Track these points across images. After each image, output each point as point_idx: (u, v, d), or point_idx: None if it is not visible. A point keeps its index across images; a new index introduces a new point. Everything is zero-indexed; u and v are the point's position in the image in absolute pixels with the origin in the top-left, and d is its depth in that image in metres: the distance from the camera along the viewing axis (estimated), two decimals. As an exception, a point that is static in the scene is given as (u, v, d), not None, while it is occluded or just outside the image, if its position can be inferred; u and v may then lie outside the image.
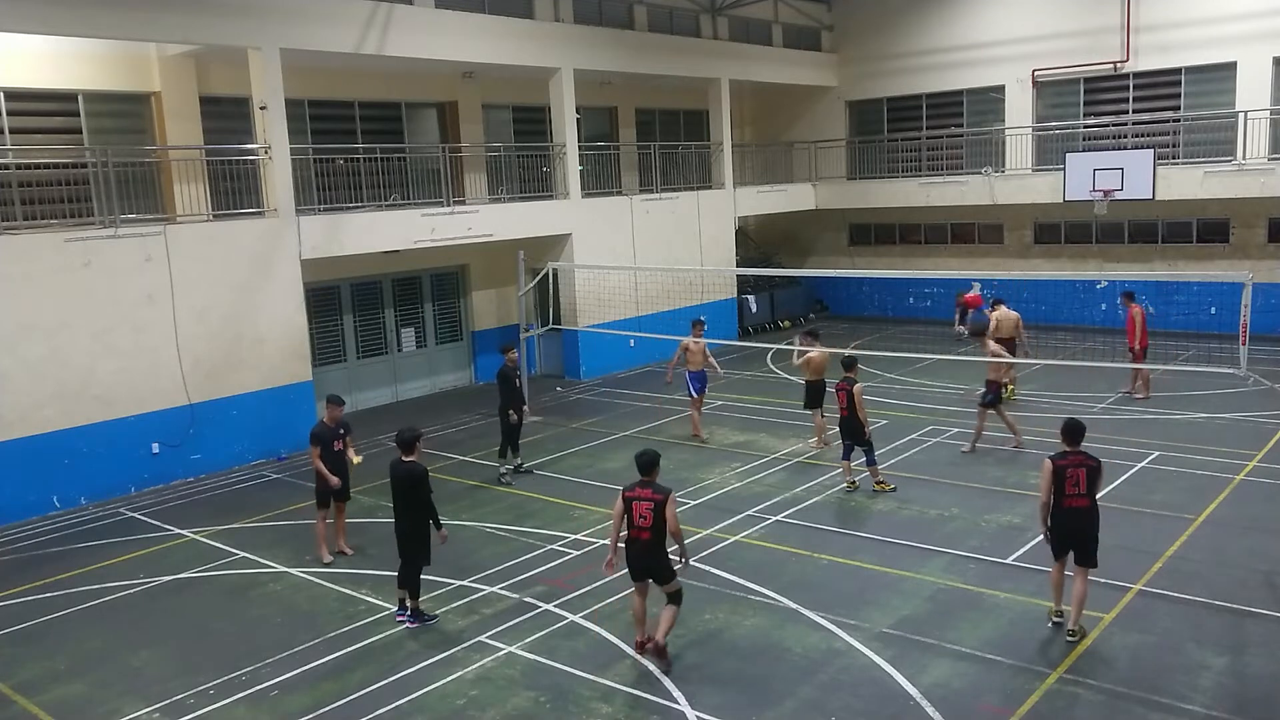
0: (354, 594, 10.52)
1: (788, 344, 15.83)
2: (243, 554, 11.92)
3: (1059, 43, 24.43)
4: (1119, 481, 12.73)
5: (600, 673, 8.54)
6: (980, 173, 24.90)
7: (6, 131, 15.22)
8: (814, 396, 15.06)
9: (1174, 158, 22.79)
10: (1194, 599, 9.43)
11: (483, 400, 18.97)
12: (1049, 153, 24.49)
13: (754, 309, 26.54)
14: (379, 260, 18.85)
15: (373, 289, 20.06)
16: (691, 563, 10.06)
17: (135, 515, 13.70)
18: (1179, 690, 7.84)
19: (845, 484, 13.17)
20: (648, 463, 8.62)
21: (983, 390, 14.73)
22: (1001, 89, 25.63)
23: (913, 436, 15.48)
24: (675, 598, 8.62)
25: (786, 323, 27.12)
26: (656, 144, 24.09)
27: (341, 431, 11.50)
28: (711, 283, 24.45)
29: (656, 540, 8.44)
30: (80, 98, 16.01)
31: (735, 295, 25.69)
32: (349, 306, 19.65)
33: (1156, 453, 14.07)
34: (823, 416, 15.09)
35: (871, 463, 13.09)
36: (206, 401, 15.42)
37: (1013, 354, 17.58)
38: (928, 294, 27.33)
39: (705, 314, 19.45)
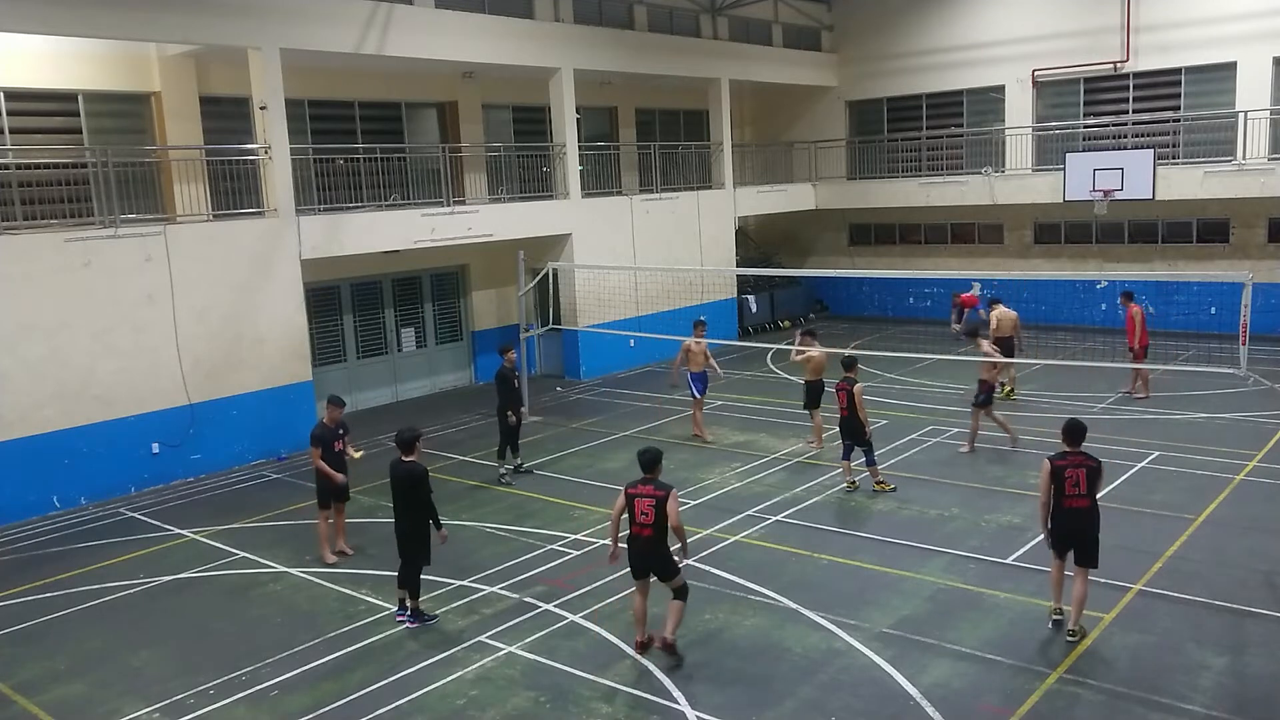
0: (354, 594, 10.52)
1: (788, 344, 15.83)
2: (243, 554, 11.92)
3: (1059, 43, 24.43)
4: (1119, 481, 12.74)
5: (600, 673, 8.54)
6: (980, 173, 24.90)
7: (6, 131, 15.23)
8: (813, 397, 15.06)
9: (1174, 158, 22.79)
10: (1194, 599, 9.43)
11: (482, 400, 18.97)
12: (1049, 153, 24.49)
13: (754, 309, 26.54)
14: (379, 260, 18.85)
15: (373, 289, 20.06)
16: (691, 562, 10.08)
17: (135, 515, 13.70)
18: (1179, 690, 7.84)
19: (845, 484, 13.17)
20: (650, 460, 8.66)
21: (975, 390, 14.74)
22: (1001, 89, 25.64)
23: (913, 436, 15.48)
24: (681, 593, 8.64)
25: (786, 323, 27.12)
26: (656, 144, 24.10)
27: (341, 432, 11.51)
28: (711, 283, 24.45)
29: (658, 537, 8.47)
30: (80, 98, 16.01)
31: (735, 295, 25.69)
32: (349, 306, 19.65)
33: (1156, 453, 14.07)
34: (820, 417, 15.09)
35: (871, 463, 13.09)
36: (206, 401, 15.42)
37: (1012, 353, 17.64)
38: (928, 294, 27.33)
39: (705, 314, 19.44)
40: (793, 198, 27.56)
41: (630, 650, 8.83)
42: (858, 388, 12.87)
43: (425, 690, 8.39)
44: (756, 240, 29.84)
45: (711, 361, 15.88)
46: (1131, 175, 20.95)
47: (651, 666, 8.59)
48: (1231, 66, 22.36)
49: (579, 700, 8.12)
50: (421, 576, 9.76)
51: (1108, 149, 23.42)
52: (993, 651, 8.59)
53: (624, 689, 8.26)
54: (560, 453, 15.73)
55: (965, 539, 11.22)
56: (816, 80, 28.08)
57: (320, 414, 12.22)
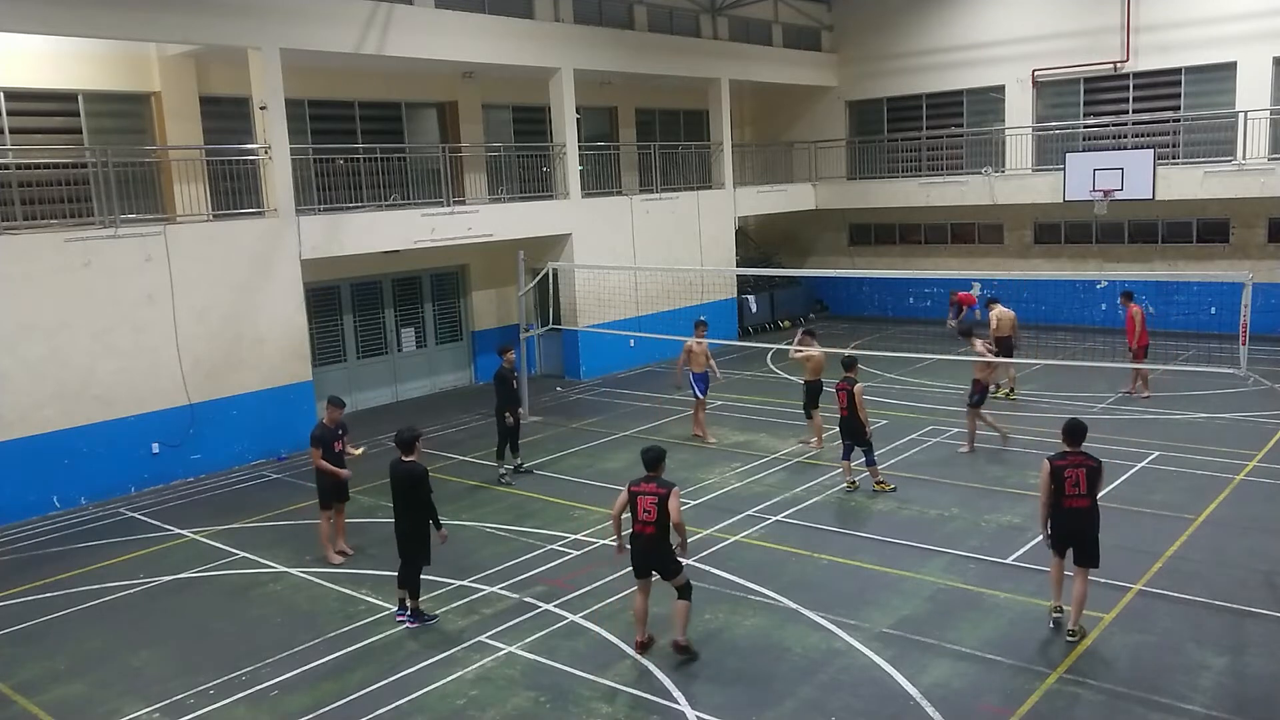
0: (354, 594, 10.52)
1: (788, 344, 15.83)
2: (243, 554, 11.92)
3: (1059, 43, 24.44)
4: (1119, 481, 12.73)
5: (600, 673, 8.54)
6: (980, 173, 24.90)
7: (6, 131, 15.23)
8: (812, 397, 15.06)
9: (1174, 158, 22.79)
10: (1194, 599, 9.43)
11: (482, 400, 18.95)
12: (1049, 153, 24.49)
13: (754, 309, 26.54)
14: (379, 260, 18.85)
15: (373, 289, 20.06)
16: (692, 562, 10.07)
17: (135, 515, 13.70)
18: (1179, 690, 7.84)
19: (845, 484, 13.17)
20: (654, 459, 8.71)
21: (969, 390, 14.74)
22: (1001, 89, 25.63)
23: (913, 436, 15.48)
24: (685, 592, 8.67)
25: (786, 323, 27.11)
26: (656, 144, 24.09)
27: (340, 432, 11.51)
28: (711, 283, 24.45)
29: (660, 535, 8.50)
30: (80, 98, 16.01)
31: (735, 295, 25.69)
32: (349, 306, 19.65)
33: (1156, 453, 14.07)
34: (819, 417, 15.09)
35: (871, 463, 13.09)
36: (206, 401, 15.42)
37: (1011, 353, 17.65)
38: (928, 294, 27.33)
39: (705, 314, 19.43)
40: (793, 198, 27.56)
41: (630, 650, 8.83)
42: (858, 388, 12.87)
43: (425, 690, 8.39)
44: (756, 240, 29.85)
45: (710, 363, 15.88)
46: (1131, 175, 20.96)
47: (651, 666, 8.59)
48: (1231, 66, 22.36)
49: (579, 700, 8.12)
50: (421, 576, 9.76)
51: (1108, 149, 23.42)
52: (993, 651, 8.59)
53: (624, 689, 8.26)
54: (560, 453, 15.73)
55: (965, 539, 11.22)
56: (816, 80, 28.08)
57: (320, 414, 12.22)
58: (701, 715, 7.80)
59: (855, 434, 12.96)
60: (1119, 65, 23.71)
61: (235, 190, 16.57)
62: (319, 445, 11.27)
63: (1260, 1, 21.78)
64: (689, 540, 9.09)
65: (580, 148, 21.41)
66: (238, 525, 13.02)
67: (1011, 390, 17.84)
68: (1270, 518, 11.47)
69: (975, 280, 24.76)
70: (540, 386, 20.34)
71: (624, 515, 8.76)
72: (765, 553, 11.14)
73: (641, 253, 22.41)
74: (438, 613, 9.85)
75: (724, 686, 8.24)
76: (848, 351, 14.50)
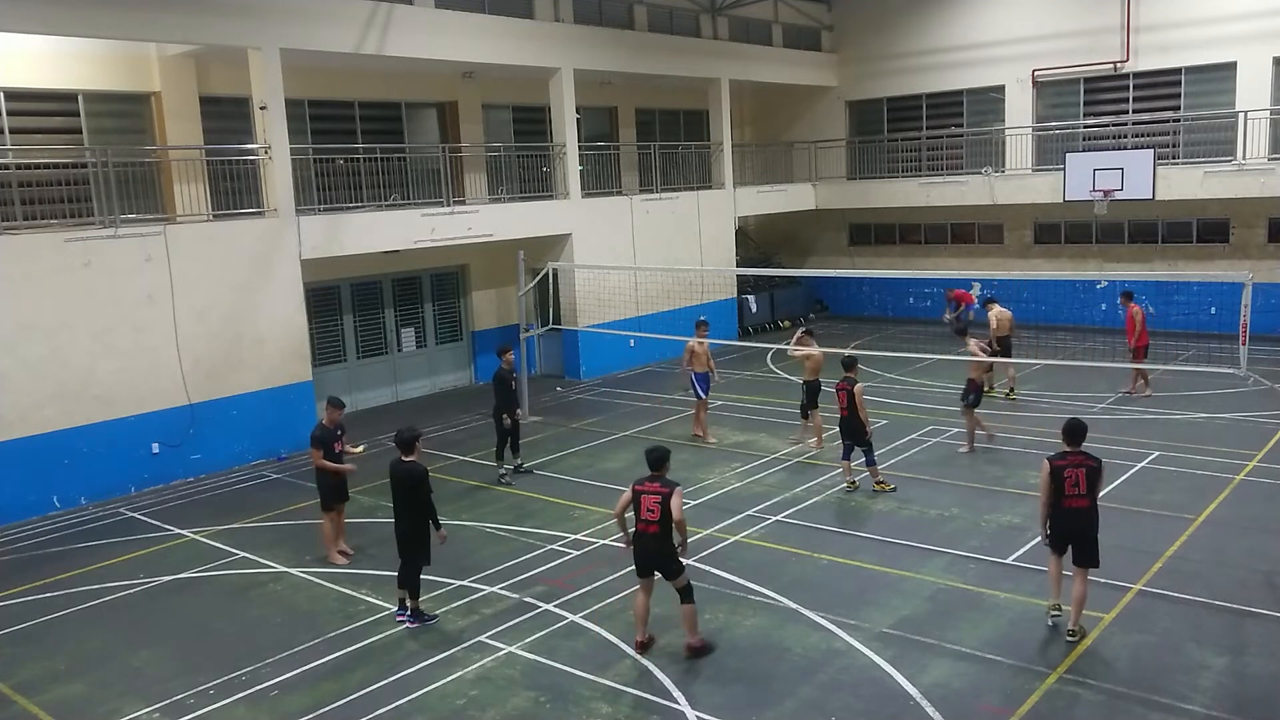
0: (354, 594, 10.52)
1: (787, 343, 15.83)
2: (243, 554, 11.92)
3: (1059, 43, 24.43)
4: (1119, 481, 12.73)
5: (600, 673, 8.54)
6: (980, 173, 24.90)
7: (6, 131, 15.23)
8: (812, 396, 15.06)
9: (1174, 158, 22.79)
10: (1194, 599, 9.43)
11: (482, 400, 18.91)
12: (1049, 153, 24.48)
13: (754, 309, 26.54)
14: (379, 260, 18.85)
15: (373, 289, 20.06)
16: (692, 562, 10.07)
17: (135, 515, 13.70)
18: (1179, 690, 7.84)
19: (845, 484, 13.17)
20: (658, 458, 8.76)
21: (964, 390, 14.74)
22: (1001, 89, 25.64)
23: (913, 436, 15.48)
24: (687, 595, 8.68)
25: (786, 323, 27.10)
26: (656, 144, 24.09)
27: (339, 433, 11.52)
28: (711, 283, 24.45)
29: (663, 534, 8.52)
30: (80, 98, 16.01)
31: (735, 295, 25.69)
32: (349, 306, 19.65)
33: (1156, 453, 14.07)
34: (819, 416, 15.08)
35: (871, 463, 13.09)
36: (206, 401, 15.42)
37: (1009, 353, 17.66)
38: (928, 294, 27.31)
39: (705, 314, 19.38)
40: (793, 198, 27.56)
41: (630, 650, 8.84)
42: (858, 388, 12.87)
43: (425, 690, 8.39)
44: (756, 240, 29.84)
45: (710, 363, 15.89)
46: (1131, 175, 20.95)
47: (651, 666, 8.59)
48: (1231, 66, 22.36)
49: (579, 700, 8.12)
50: (421, 576, 9.76)
51: (1108, 149, 23.41)
52: (993, 651, 8.59)
53: (624, 689, 8.26)
54: (560, 453, 15.74)
55: (965, 539, 11.22)
56: (816, 80, 28.07)
57: (320, 414, 12.23)
58: (701, 715, 7.80)
59: (855, 434, 12.95)
60: (1119, 65, 23.71)
61: (235, 190, 16.57)
62: (319, 446, 11.27)
63: (1260, 1, 21.78)
64: (689, 540, 9.09)
65: (580, 148, 21.41)
66: (238, 525, 13.02)
67: (1012, 390, 17.85)
68: (1270, 518, 11.47)
69: (975, 280, 24.75)
70: (540, 386, 20.34)
71: (626, 514, 8.76)
72: (765, 553, 11.14)
73: (641, 253, 22.41)
74: (438, 613, 9.85)
75: (724, 686, 8.24)
76: (848, 351, 14.50)
